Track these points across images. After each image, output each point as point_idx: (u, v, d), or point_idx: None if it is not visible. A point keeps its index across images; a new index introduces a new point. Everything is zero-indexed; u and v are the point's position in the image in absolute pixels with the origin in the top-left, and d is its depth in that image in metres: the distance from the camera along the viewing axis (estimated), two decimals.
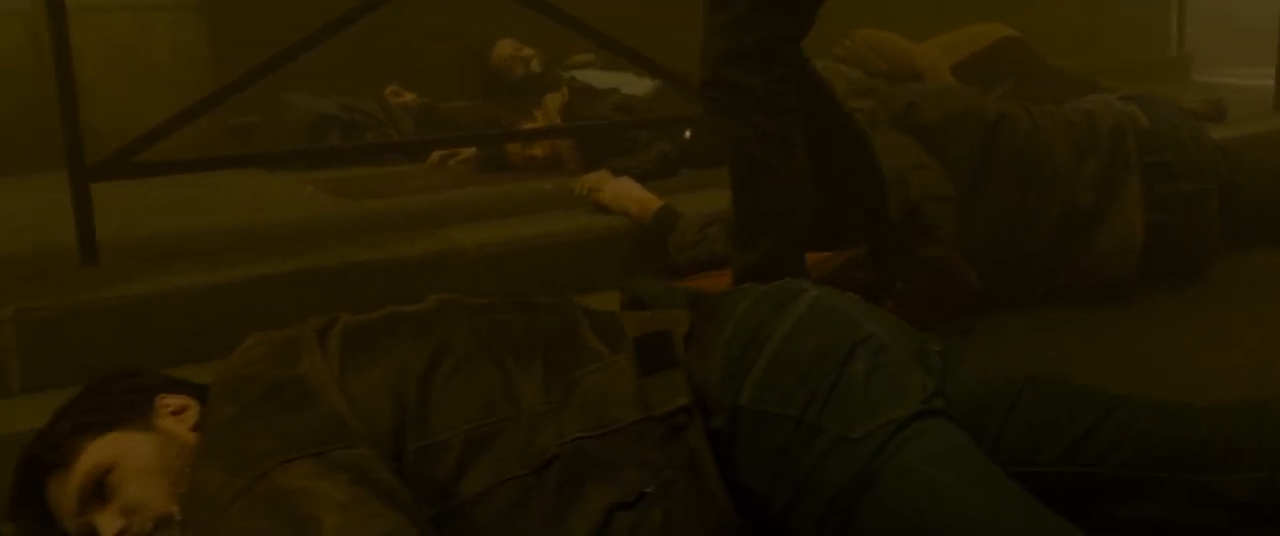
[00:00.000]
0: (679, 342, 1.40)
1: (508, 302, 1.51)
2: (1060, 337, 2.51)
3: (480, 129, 4.04)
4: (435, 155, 4.05)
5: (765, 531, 1.31)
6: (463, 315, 1.48)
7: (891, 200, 2.30)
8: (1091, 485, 1.41)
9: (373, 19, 4.71)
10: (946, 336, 1.84)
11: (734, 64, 1.94)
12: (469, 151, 4.00)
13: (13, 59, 4.08)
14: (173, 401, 1.50)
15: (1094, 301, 2.68)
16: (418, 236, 2.75)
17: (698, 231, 2.70)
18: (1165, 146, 2.72)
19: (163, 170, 2.66)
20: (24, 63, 3.99)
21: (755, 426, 1.30)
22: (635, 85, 4.25)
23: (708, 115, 2.06)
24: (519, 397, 1.35)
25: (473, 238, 2.71)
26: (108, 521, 1.39)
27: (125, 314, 2.33)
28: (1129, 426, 1.44)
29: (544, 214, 2.96)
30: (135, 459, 1.42)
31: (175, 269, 2.47)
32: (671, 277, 2.46)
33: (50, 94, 2.52)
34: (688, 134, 3.70)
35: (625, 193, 2.88)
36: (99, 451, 1.42)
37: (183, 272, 2.45)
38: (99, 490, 1.41)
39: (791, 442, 1.27)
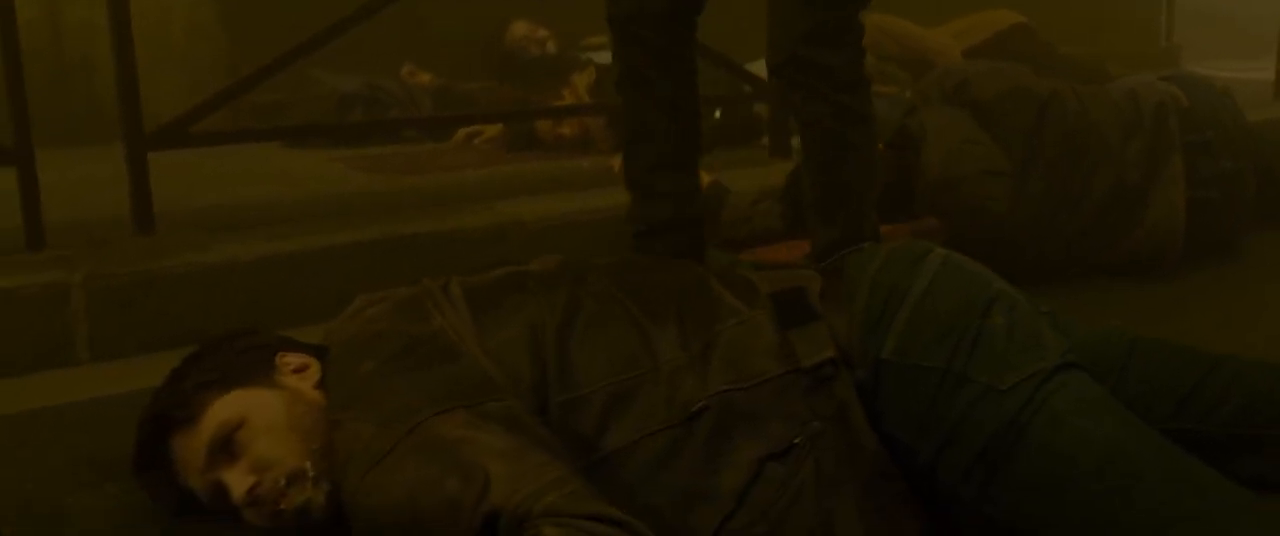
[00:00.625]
0: (815, 298, 1.43)
1: (635, 260, 1.53)
2: (1108, 314, 2.54)
3: (512, 107, 4.04)
4: (461, 133, 4.05)
5: (909, 481, 1.34)
6: (590, 272, 1.50)
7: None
8: (1200, 441, 1.44)
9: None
10: None
11: (813, 42, 1.96)
12: (494, 130, 4.01)
13: (30, 37, 4.05)
14: (293, 359, 1.50)
15: (1136, 278, 2.73)
16: (474, 209, 2.76)
17: (750, 206, 2.73)
18: (1206, 125, 2.78)
19: (219, 140, 2.66)
20: (41, 41, 3.96)
21: (899, 379, 1.33)
22: None
23: (787, 94, 2.08)
24: (657, 352, 1.37)
25: (530, 211, 2.73)
26: (238, 478, 1.39)
27: (192, 282, 2.33)
28: (1232, 383, 1.48)
29: (591, 190, 2.98)
30: (264, 415, 1.42)
31: (238, 239, 2.47)
32: (730, 250, 2.49)
33: (68, 69, 2.50)
34: (718, 114, 3.73)
35: None
36: (225, 408, 1.41)
37: (245, 243, 2.45)
38: (227, 446, 1.40)
39: (939, 394, 1.30)
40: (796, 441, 1.30)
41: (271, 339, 1.57)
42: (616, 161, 3.07)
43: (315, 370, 1.50)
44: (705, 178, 2.85)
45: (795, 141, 2.35)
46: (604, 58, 4.73)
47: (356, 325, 1.46)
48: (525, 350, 1.38)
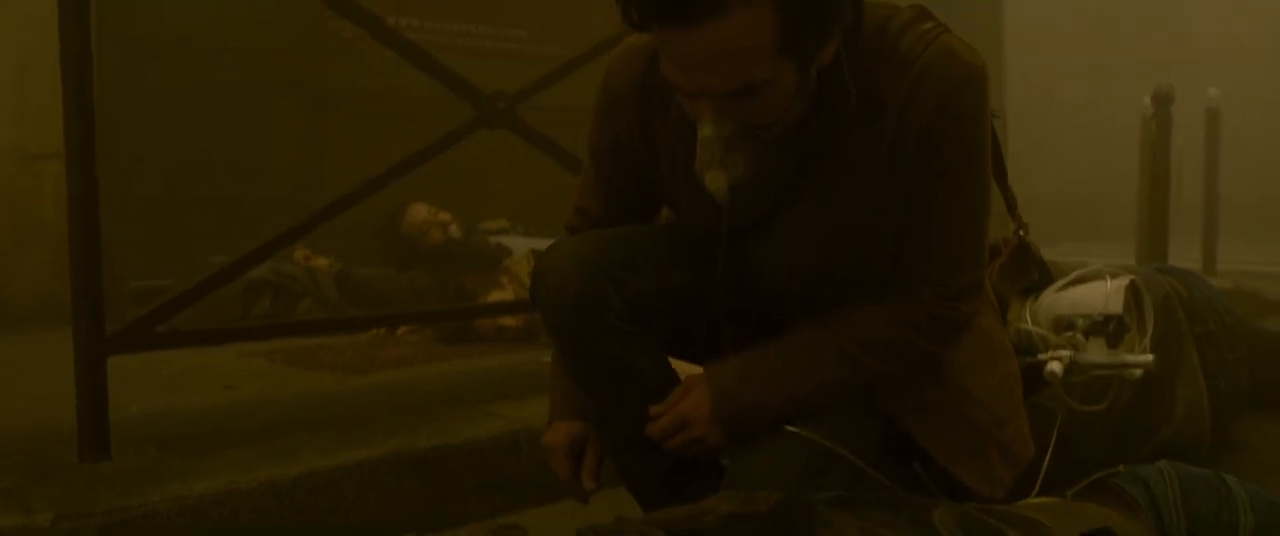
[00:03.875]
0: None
1: (879, 500, 1.29)
2: None
3: (449, 298, 3.75)
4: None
5: None
6: (832, 519, 1.25)
7: None
8: None
9: (284, 178, 4.42)
10: None
11: None
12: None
13: None
14: None
15: None
16: (474, 417, 2.44)
17: None
18: (1207, 317, 2.79)
19: (191, 341, 2.25)
20: None
21: None
22: None
23: None
24: None
25: (537, 417, 2.42)
26: None
27: (185, 518, 1.91)
28: None
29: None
30: None
31: (227, 461, 2.07)
32: None
33: None
34: None
35: None
36: None
37: (239, 466, 2.05)
38: None
39: None
40: None
41: None
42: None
43: None
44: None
45: None
46: (510, 242, 4.53)
47: None
48: None
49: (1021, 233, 1.89)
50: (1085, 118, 13.28)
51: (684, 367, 1.67)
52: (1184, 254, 5.01)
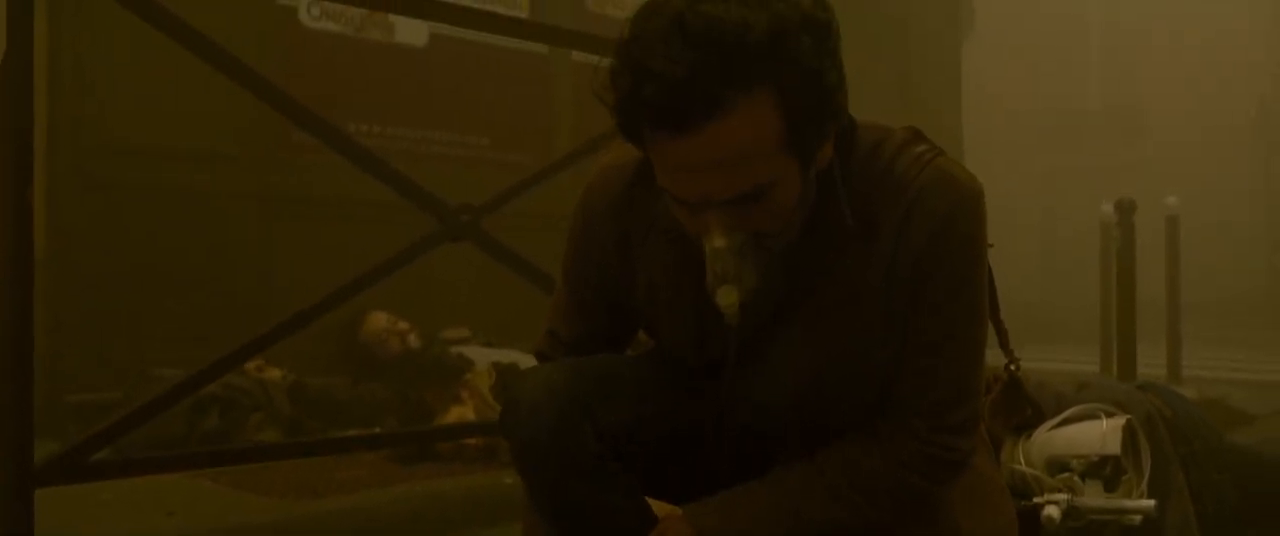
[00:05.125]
0: None
1: None
2: None
3: (408, 412, 3.61)
4: None
5: None
6: None
7: None
8: None
9: (235, 286, 4.29)
10: None
11: None
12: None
13: None
14: None
15: None
16: None
17: None
18: (1192, 437, 2.72)
19: (127, 471, 2.10)
20: None
21: None
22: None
23: None
24: None
25: None
26: None
27: None
28: None
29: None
30: None
31: None
32: None
33: None
34: None
35: None
36: None
37: None
38: None
39: None
40: None
41: None
42: None
43: None
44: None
45: None
46: (472, 353, 4.40)
47: None
48: None
49: (1013, 367, 1.81)
50: (1044, 220, 13.47)
51: (662, 507, 1.57)
52: (1146, 358, 4.99)
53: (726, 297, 1.32)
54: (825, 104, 1.27)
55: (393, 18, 4.86)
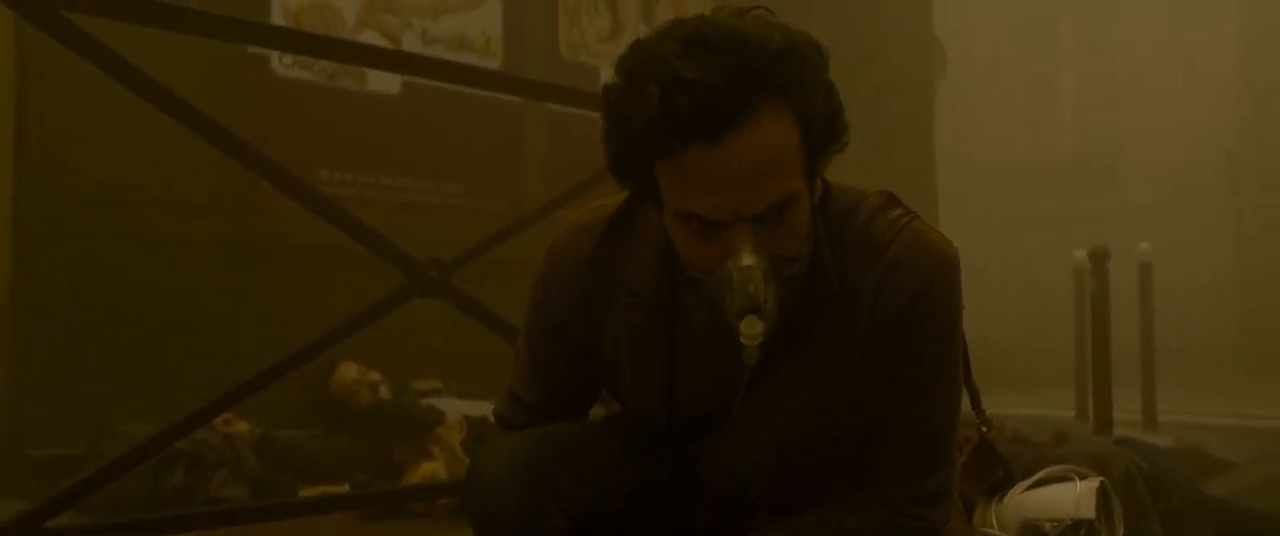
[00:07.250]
0: None
1: None
2: None
3: (378, 467, 3.53)
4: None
5: None
6: None
7: None
8: None
9: (203, 336, 4.22)
10: None
11: None
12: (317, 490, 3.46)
13: None
14: None
15: None
16: None
17: None
18: (1171, 492, 2.70)
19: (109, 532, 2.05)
20: None
21: None
22: None
23: None
24: None
25: None
26: None
27: None
28: None
29: None
30: None
31: None
32: None
33: None
34: None
35: None
36: None
37: None
38: None
39: None
40: None
41: None
42: None
43: None
44: None
45: None
46: (444, 404, 4.35)
47: None
48: None
49: (985, 429, 1.79)
50: (1018, 267, 13.54)
51: None
52: (1121, 403, 4.99)
53: (750, 328, 1.28)
54: (834, 119, 1.30)
55: None
